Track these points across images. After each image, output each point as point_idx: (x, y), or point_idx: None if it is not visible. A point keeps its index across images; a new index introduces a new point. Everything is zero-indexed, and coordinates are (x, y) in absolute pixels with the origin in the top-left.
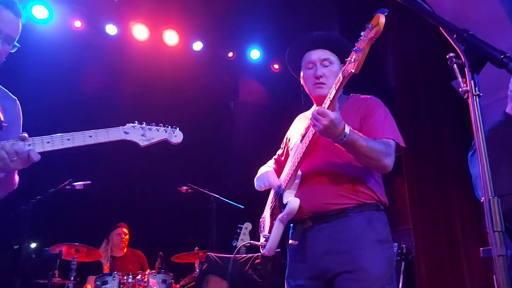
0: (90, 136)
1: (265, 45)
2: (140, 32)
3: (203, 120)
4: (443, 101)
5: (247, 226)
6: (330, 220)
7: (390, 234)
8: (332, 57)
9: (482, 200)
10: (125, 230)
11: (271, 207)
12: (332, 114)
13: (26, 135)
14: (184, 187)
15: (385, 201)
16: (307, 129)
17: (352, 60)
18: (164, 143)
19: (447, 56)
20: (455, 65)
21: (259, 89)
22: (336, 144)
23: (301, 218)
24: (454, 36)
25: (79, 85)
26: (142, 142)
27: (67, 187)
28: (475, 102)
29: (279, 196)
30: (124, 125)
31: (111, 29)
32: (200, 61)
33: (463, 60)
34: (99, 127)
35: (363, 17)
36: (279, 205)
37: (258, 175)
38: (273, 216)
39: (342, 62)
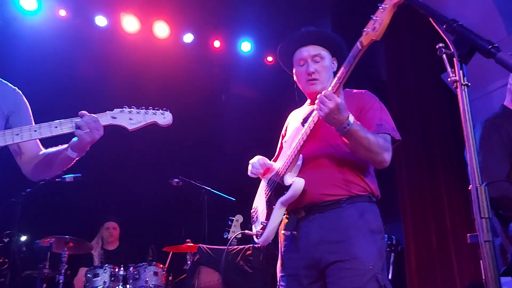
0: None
1: (257, 37)
2: (130, 23)
3: (194, 112)
4: (433, 93)
5: (238, 218)
6: (324, 210)
7: (382, 225)
8: (323, 52)
9: (469, 188)
10: (113, 224)
11: (266, 196)
12: (339, 99)
13: None
14: (176, 180)
15: (378, 193)
16: (309, 114)
17: (372, 29)
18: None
19: (437, 47)
20: (444, 55)
21: (250, 81)
22: (336, 134)
23: (295, 208)
24: (444, 26)
25: (68, 78)
26: (130, 126)
27: (57, 179)
28: (463, 92)
29: (276, 184)
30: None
31: (100, 21)
32: (191, 53)
33: (452, 50)
34: None
35: (355, 5)
36: (278, 192)
37: (251, 161)
38: (270, 203)
39: (333, 56)
